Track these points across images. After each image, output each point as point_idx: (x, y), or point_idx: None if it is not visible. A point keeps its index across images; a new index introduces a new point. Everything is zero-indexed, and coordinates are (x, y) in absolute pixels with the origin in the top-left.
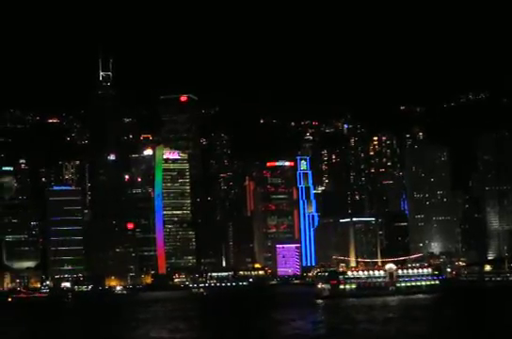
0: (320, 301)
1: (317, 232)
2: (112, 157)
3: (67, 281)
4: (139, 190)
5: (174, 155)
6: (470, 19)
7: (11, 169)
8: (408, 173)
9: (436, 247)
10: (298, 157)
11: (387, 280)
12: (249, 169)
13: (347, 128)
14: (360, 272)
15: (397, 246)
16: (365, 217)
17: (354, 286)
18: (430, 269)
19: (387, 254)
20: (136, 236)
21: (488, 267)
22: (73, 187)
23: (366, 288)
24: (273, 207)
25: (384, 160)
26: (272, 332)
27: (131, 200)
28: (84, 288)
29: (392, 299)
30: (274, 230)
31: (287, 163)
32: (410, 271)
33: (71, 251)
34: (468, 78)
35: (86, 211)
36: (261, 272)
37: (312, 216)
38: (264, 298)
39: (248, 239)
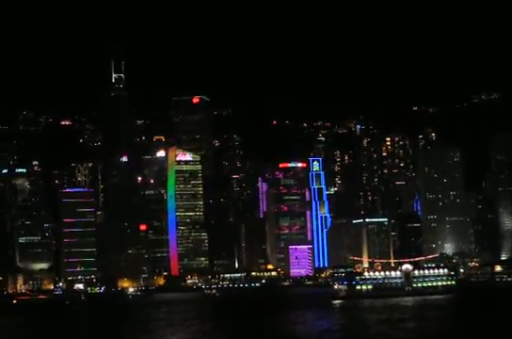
0: (337, 302)
1: (330, 233)
2: (125, 159)
3: (80, 282)
4: (152, 192)
5: (187, 157)
6: (483, 19)
7: (24, 171)
8: (420, 174)
9: (449, 247)
10: (311, 158)
11: (403, 280)
12: (262, 170)
13: (360, 129)
14: (377, 273)
15: (410, 247)
16: (378, 217)
17: (370, 287)
18: (446, 270)
19: (400, 255)
20: (149, 238)
21: (498, 268)
22: (86, 189)
23: (382, 289)
24: (285, 208)
25: (397, 161)
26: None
27: (143, 201)
28: (97, 290)
29: (409, 300)
30: (286, 231)
31: (300, 164)
32: (426, 272)
33: (83, 253)
34: (480, 78)
35: (98, 213)
36: (273, 273)
37: (325, 217)
38: (278, 300)
39: (261, 240)
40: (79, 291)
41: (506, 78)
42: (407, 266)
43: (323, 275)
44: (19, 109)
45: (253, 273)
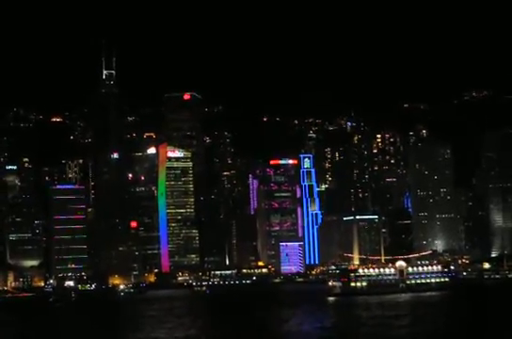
0: (331, 299)
1: (320, 230)
2: (115, 156)
3: (70, 279)
4: (143, 189)
5: (177, 154)
6: (473, 17)
7: (15, 167)
8: (411, 171)
9: (439, 244)
10: (302, 155)
11: (397, 277)
12: (253, 167)
13: (351, 126)
14: (371, 270)
15: (401, 243)
16: (369, 214)
17: (365, 284)
18: (440, 267)
19: (390, 252)
20: (140, 235)
21: (487, 265)
22: (77, 186)
23: (377, 286)
24: (276, 205)
25: (387, 158)
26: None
27: (134, 198)
28: (87, 287)
29: (403, 297)
30: (277, 228)
31: (290, 161)
32: (420, 269)
33: (74, 250)
34: (471, 76)
35: (89, 210)
36: (264, 270)
37: (316, 214)
38: (269, 297)
39: (252, 237)
40: (69, 288)
41: (497, 75)
42: (400, 263)
43: (314, 272)
44: (9, 106)
45: (244, 270)
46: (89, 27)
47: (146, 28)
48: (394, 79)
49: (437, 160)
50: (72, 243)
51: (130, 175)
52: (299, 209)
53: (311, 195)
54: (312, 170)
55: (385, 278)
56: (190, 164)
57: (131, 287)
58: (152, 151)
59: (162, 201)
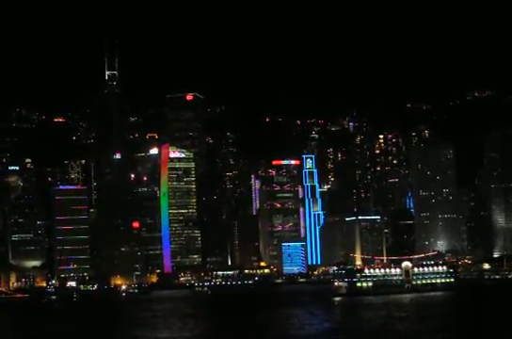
0: (337, 299)
1: (323, 230)
2: (118, 156)
3: (73, 280)
4: (145, 189)
5: (180, 154)
6: (476, 17)
7: (17, 168)
8: (413, 171)
9: (441, 245)
10: (304, 156)
11: (403, 277)
12: (255, 167)
13: (353, 126)
14: (377, 270)
15: (403, 244)
16: (371, 215)
17: (371, 284)
18: (445, 267)
19: (392, 252)
20: (142, 235)
21: (486, 266)
22: (79, 187)
23: (382, 286)
24: (279, 206)
25: (390, 158)
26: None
27: (136, 199)
28: (90, 287)
29: (409, 297)
30: (279, 228)
31: (293, 161)
32: (426, 269)
33: (76, 251)
34: (474, 76)
35: (91, 210)
36: (266, 271)
37: (318, 214)
38: (271, 298)
39: (254, 238)
40: (71, 288)
41: (500, 76)
42: (406, 264)
43: (316, 272)
44: (12, 106)
45: (246, 270)
46: (92, 28)
47: (148, 29)
48: (397, 79)
49: (439, 160)
50: (74, 243)
51: (132, 176)
52: (302, 209)
53: (313, 195)
54: (315, 171)
55: (391, 278)
56: (192, 164)
57: (135, 288)
58: (154, 151)
59: (164, 202)
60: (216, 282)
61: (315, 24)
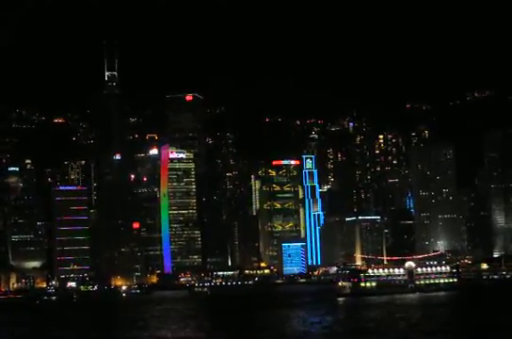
0: (341, 299)
1: (323, 230)
2: (118, 157)
3: (73, 280)
4: (145, 190)
5: (180, 155)
6: (475, 16)
7: (17, 169)
8: (413, 171)
9: (441, 245)
10: (304, 156)
11: (406, 277)
12: (255, 167)
13: (353, 126)
14: (381, 270)
15: (403, 244)
16: (371, 215)
17: (374, 284)
18: (448, 267)
19: (393, 253)
20: (142, 236)
21: (485, 266)
22: (79, 187)
23: (386, 286)
24: (278, 206)
25: (390, 158)
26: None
27: (136, 199)
28: (90, 288)
29: (412, 297)
30: (280, 229)
31: (293, 162)
32: (429, 269)
33: (76, 251)
34: (474, 76)
35: (91, 211)
36: (266, 271)
37: (318, 214)
38: (270, 298)
39: (254, 238)
40: (72, 289)
41: (500, 76)
42: (410, 264)
43: (316, 273)
44: (12, 107)
45: (246, 271)
46: (92, 29)
47: (148, 29)
48: (396, 79)
49: (439, 161)
50: (74, 244)
51: (132, 176)
52: (302, 210)
53: (313, 196)
54: (315, 171)
55: (394, 278)
56: (192, 165)
57: (137, 288)
58: (154, 152)
59: (164, 202)
60: (216, 283)
61: (315, 24)
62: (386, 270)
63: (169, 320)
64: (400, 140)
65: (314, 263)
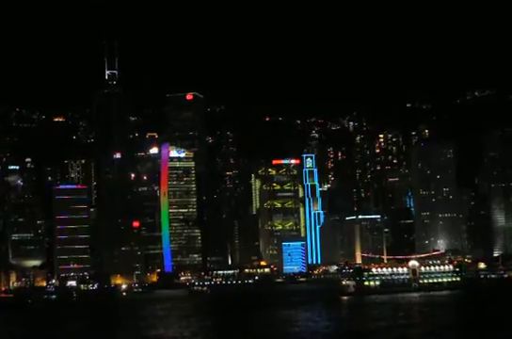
0: (345, 298)
1: (323, 229)
2: (118, 156)
3: (73, 279)
4: (145, 189)
5: (180, 154)
6: (476, 16)
7: (17, 167)
8: (413, 171)
9: (442, 244)
10: (304, 155)
11: (410, 276)
12: (255, 166)
13: (353, 126)
14: (384, 269)
15: (403, 243)
16: (371, 214)
17: (378, 283)
18: (452, 266)
19: (393, 252)
20: (142, 235)
21: (482, 265)
22: (79, 186)
23: (390, 285)
24: (279, 205)
25: (390, 158)
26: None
27: (137, 198)
28: (90, 287)
29: (416, 296)
30: (280, 227)
31: (293, 161)
32: (432, 268)
33: (76, 250)
34: (474, 75)
35: (91, 209)
36: (266, 270)
37: (318, 213)
38: (271, 297)
39: (254, 237)
40: (71, 288)
41: (500, 75)
42: (413, 263)
43: (316, 272)
44: (12, 106)
45: (246, 270)
46: (92, 27)
47: (148, 28)
48: (397, 79)
49: (439, 160)
50: (74, 243)
51: (132, 175)
52: (302, 209)
53: (313, 195)
54: (315, 170)
55: (398, 277)
56: (193, 164)
57: (139, 287)
58: (154, 151)
59: (164, 201)
60: (216, 282)
61: (316, 23)
62: (390, 269)
63: (169, 320)
64: (400, 139)
65: (314, 262)
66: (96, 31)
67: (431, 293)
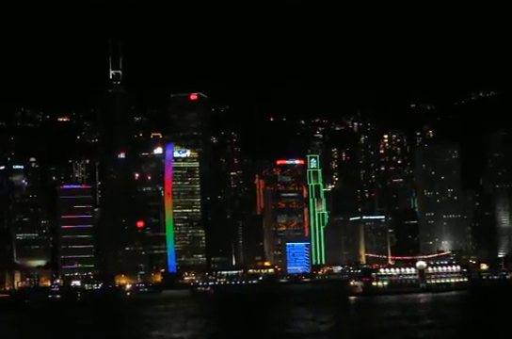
0: (352, 298)
1: (327, 230)
2: (122, 156)
3: (77, 279)
4: (149, 189)
5: (184, 154)
6: (481, 17)
7: (22, 167)
8: (418, 171)
9: (446, 245)
10: (308, 155)
11: (417, 277)
12: (259, 167)
13: (357, 126)
14: (392, 269)
15: (407, 244)
16: (375, 215)
17: (386, 283)
18: (459, 267)
19: (397, 252)
20: (146, 235)
21: (484, 266)
22: (84, 186)
23: (398, 285)
24: (283, 205)
25: (394, 158)
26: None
27: (141, 198)
28: (94, 287)
29: (423, 296)
30: (284, 228)
31: (297, 161)
32: (440, 269)
33: (81, 250)
34: (478, 76)
35: (96, 209)
36: (270, 270)
37: (322, 214)
38: (274, 298)
39: (258, 237)
40: (76, 288)
41: (504, 76)
42: (421, 263)
43: (320, 272)
44: (16, 106)
45: (250, 270)
46: (96, 27)
47: (153, 28)
48: (401, 79)
49: (444, 160)
50: (78, 243)
51: (137, 175)
52: (306, 209)
53: (317, 195)
54: (319, 171)
55: (406, 277)
56: (197, 164)
57: (145, 287)
58: (158, 151)
59: (168, 201)
60: (220, 282)
61: (320, 23)
62: (398, 270)
63: (171, 320)
64: (404, 140)
65: (318, 262)
66: (100, 31)
67: (438, 294)
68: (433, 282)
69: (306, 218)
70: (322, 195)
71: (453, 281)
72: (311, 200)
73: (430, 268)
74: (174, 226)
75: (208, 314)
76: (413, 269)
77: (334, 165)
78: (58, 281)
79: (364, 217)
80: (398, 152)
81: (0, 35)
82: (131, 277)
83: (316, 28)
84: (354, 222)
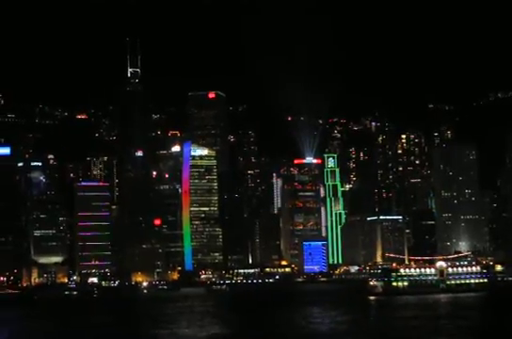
0: (372, 298)
1: (344, 229)
2: (140, 153)
3: (94, 276)
4: (167, 186)
5: (202, 152)
6: (499, 17)
7: (40, 164)
8: (435, 172)
9: (463, 246)
10: (326, 155)
11: (437, 277)
12: (277, 166)
13: (375, 126)
14: (412, 270)
15: (424, 244)
16: (393, 215)
17: (406, 284)
18: (479, 267)
19: (414, 253)
20: (163, 232)
21: (499, 267)
22: (101, 183)
23: (417, 286)
24: (300, 204)
25: (412, 158)
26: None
27: (158, 196)
28: (111, 284)
29: (443, 297)
30: (301, 227)
31: (315, 160)
32: (460, 269)
33: (98, 247)
34: (497, 76)
35: (113, 207)
36: (287, 269)
37: (340, 213)
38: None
39: (275, 236)
40: (93, 284)
41: None
42: (441, 264)
43: (337, 272)
44: (35, 103)
45: (267, 269)
46: (115, 25)
47: (171, 27)
48: (419, 80)
49: (462, 161)
50: (95, 240)
51: (154, 173)
52: (323, 209)
53: (334, 195)
54: (337, 170)
55: (425, 278)
56: (214, 162)
57: (164, 284)
58: (176, 149)
59: (186, 199)
60: (236, 281)
61: (337, 22)
62: (418, 270)
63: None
64: (422, 140)
65: (335, 262)
66: (119, 29)
67: (458, 294)
68: (453, 282)
69: (323, 218)
70: (339, 194)
71: (473, 281)
72: (328, 199)
73: (450, 269)
74: (191, 224)
75: (220, 313)
76: (433, 270)
77: (352, 164)
78: (75, 277)
79: (381, 217)
80: (416, 152)
81: (20, 33)
82: (147, 274)
83: (333, 25)
84: (371, 222)
